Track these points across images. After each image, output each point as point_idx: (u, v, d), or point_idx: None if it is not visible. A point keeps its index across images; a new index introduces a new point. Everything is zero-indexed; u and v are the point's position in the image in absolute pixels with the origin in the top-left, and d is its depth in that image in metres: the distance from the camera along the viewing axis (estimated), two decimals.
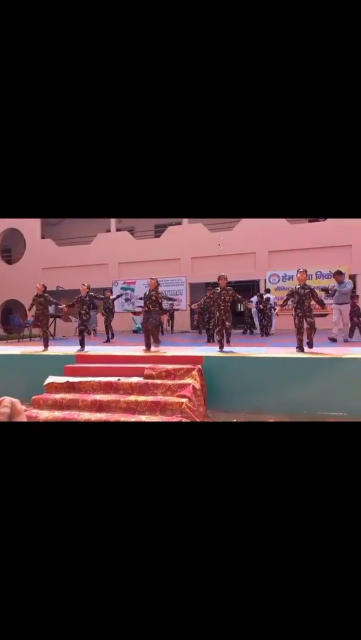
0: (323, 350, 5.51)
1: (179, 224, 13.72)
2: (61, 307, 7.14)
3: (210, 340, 7.97)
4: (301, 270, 5.59)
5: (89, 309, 6.60)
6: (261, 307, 9.35)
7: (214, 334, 7.66)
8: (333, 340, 6.66)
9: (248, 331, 10.03)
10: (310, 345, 5.43)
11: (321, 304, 5.50)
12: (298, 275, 5.58)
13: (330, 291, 6.92)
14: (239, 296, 5.93)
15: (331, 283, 11.34)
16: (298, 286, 5.53)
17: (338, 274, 6.92)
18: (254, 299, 9.61)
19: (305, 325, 5.42)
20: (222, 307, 5.82)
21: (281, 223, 12.22)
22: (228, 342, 5.98)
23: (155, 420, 4.18)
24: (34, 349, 7.04)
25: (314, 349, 5.46)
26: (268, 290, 10.78)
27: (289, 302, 5.64)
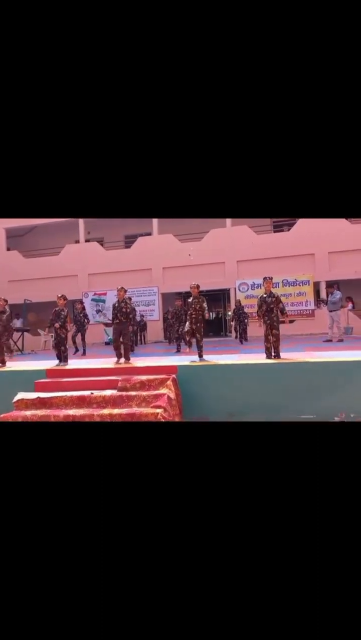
0: (292, 356, 5.72)
1: (149, 234, 13.80)
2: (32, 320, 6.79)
3: (179, 350, 7.90)
4: (267, 279, 5.78)
5: (65, 322, 6.28)
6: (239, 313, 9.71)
7: (179, 339, 7.63)
8: (329, 341, 8.13)
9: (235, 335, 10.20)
10: (278, 356, 5.57)
11: (283, 312, 5.68)
12: (264, 283, 5.76)
13: (324, 301, 8.43)
14: (205, 306, 5.81)
15: (297, 290, 11.73)
16: (265, 295, 5.69)
17: (330, 287, 8.39)
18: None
19: (271, 338, 5.56)
20: (193, 317, 5.80)
21: (247, 233, 12.62)
22: (201, 356, 5.76)
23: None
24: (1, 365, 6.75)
25: (283, 354, 5.64)
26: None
27: (259, 310, 5.78)
